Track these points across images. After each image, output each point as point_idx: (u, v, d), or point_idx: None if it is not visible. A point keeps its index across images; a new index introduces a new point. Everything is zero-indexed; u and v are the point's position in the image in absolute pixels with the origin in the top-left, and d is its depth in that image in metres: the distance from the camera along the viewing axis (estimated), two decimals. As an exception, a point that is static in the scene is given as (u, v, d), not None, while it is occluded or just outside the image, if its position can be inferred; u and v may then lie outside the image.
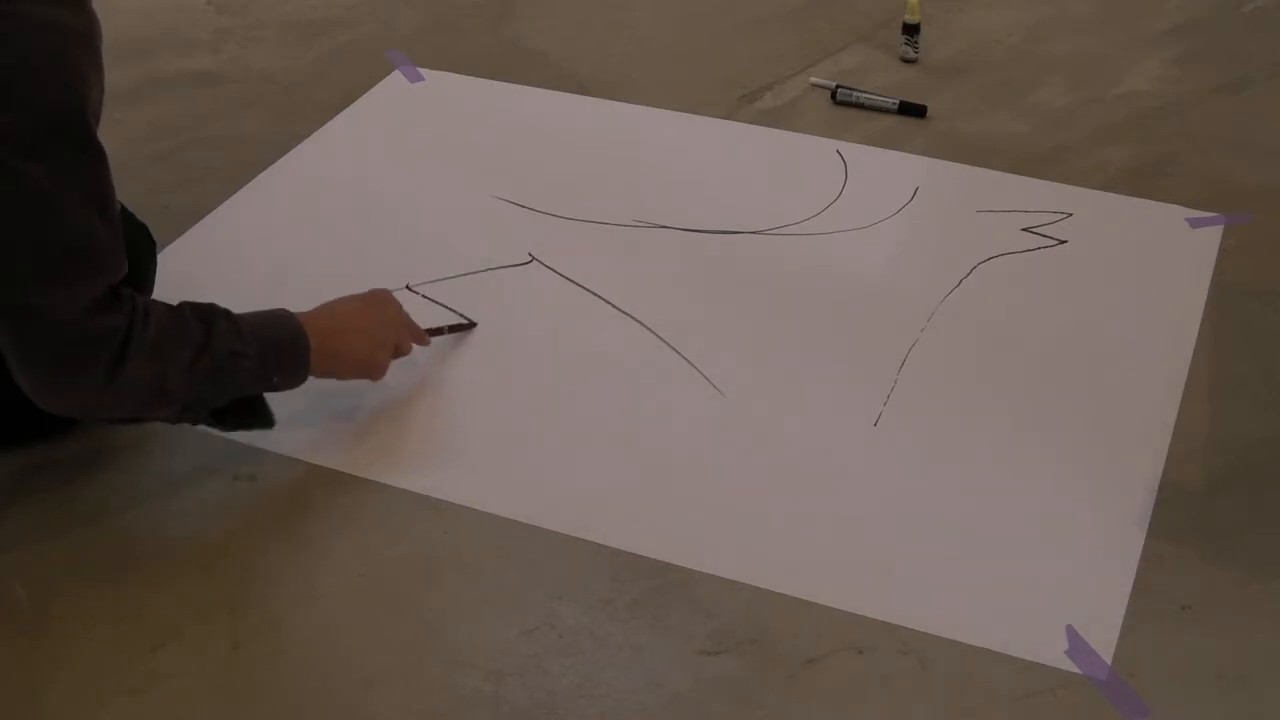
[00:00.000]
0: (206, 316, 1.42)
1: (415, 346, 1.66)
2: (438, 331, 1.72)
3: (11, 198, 1.29)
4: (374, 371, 1.60)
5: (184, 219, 1.97)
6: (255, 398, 1.51)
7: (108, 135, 2.25)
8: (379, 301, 1.62)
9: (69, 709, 1.34)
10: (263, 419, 1.53)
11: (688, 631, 1.40)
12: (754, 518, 1.52)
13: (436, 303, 1.81)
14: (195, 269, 1.87)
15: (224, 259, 1.90)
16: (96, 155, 1.35)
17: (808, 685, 1.34)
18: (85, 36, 1.32)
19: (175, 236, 1.93)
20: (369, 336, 1.58)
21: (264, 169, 2.08)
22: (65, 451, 1.60)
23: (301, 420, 1.65)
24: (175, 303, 1.42)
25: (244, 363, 1.44)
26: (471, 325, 1.76)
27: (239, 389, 1.46)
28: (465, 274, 1.86)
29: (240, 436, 1.55)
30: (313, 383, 1.69)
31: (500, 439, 1.62)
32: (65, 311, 1.32)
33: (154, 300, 1.41)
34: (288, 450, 1.61)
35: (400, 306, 1.64)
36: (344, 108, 2.23)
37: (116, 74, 2.31)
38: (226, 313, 1.45)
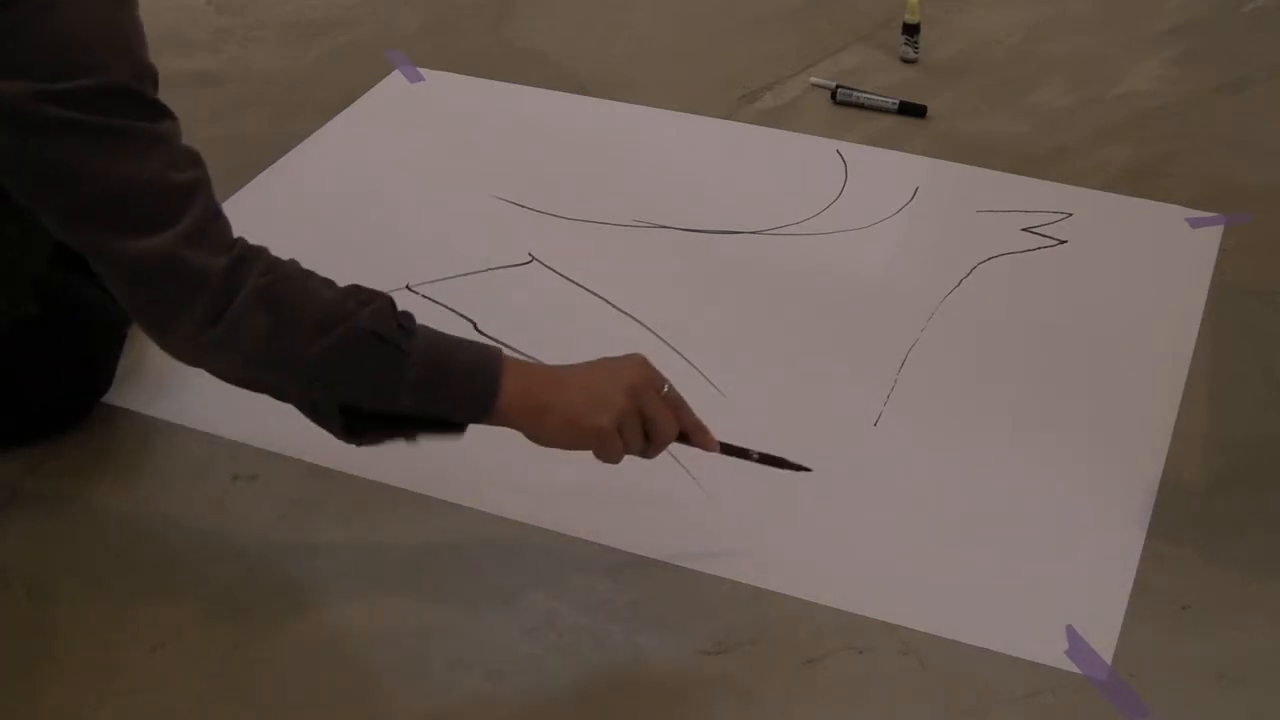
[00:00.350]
0: (360, 293, 1.28)
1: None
2: (742, 453, 1.41)
3: (66, 152, 1.22)
4: (586, 437, 1.29)
5: (184, 219, 1.96)
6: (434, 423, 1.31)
7: (108, 135, 2.24)
8: (624, 364, 1.32)
9: (69, 709, 1.34)
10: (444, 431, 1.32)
11: (688, 631, 1.40)
12: (754, 518, 1.52)
13: (437, 303, 1.81)
14: (195, 269, 1.87)
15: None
16: (150, 109, 1.29)
17: (808, 685, 1.34)
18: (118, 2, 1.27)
19: (175, 236, 1.93)
20: (590, 394, 1.29)
21: (264, 169, 2.08)
22: (65, 451, 1.60)
23: (301, 419, 1.64)
24: None
25: (393, 355, 1.24)
26: (803, 469, 1.45)
27: (383, 392, 1.27)
28: (465, 274, 1.86)
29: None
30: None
31: (500, 439, 1.62)
32: (150, 249, 1.21)
33: (291, 263, 1.29)
34: (288, 450, 1.61)
35: (654, 379, 1.32)
36: (344, 108, 2.23)
37: (116, 74, 2.33)
38: (394, 305, 1.28)
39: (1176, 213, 1.96)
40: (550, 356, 1.72)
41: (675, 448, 1.38)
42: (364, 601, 1.44)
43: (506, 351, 1.32)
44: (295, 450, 1.60)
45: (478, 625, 1.41)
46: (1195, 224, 1.94)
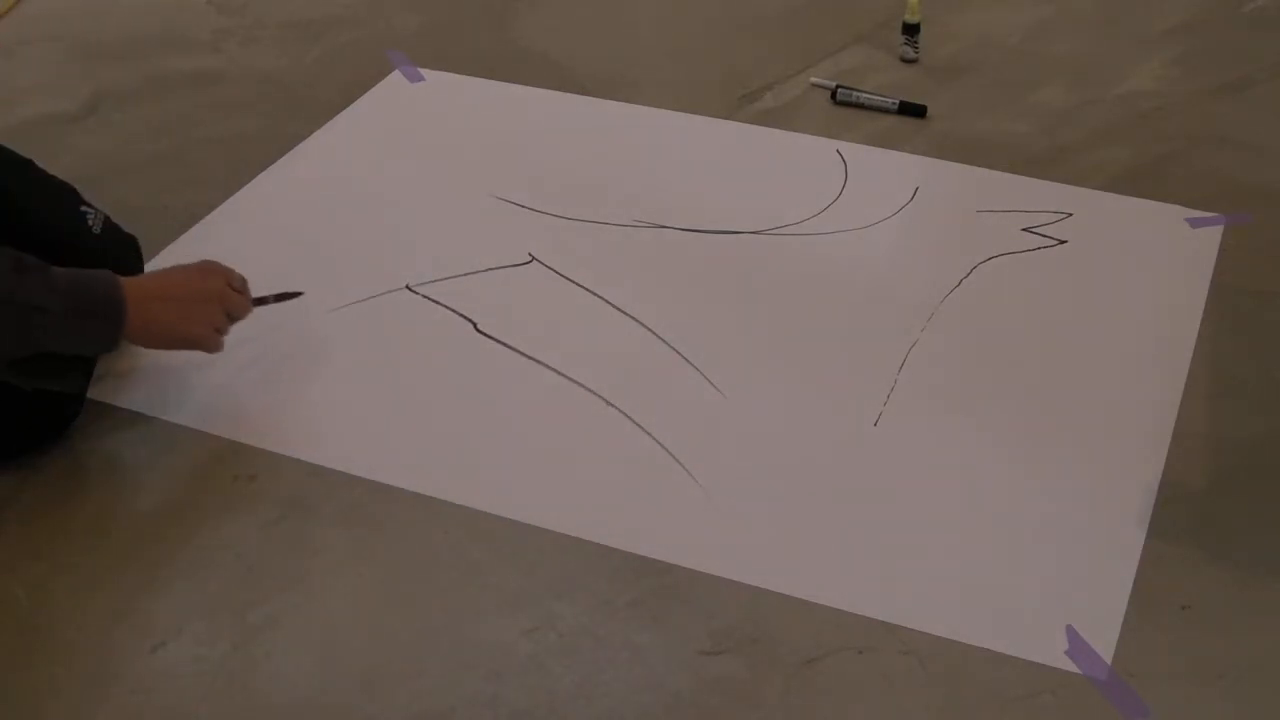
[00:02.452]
0: (18, 265, 1.40)
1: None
2: (262, 301, 1.69)
3: None
4: (189, 344, 1.58)
5: (184, 219, 1.96)
6: (70, 359, 1.49)
7: (108, 135, 2.26)
8: (203, 272, 1.60)
9: (69, 709, 1.34)
10: (70, 381, 1.52)
11: (688, 631, 1.40)
12: (754, 518, 1.52)
13: (437, 303, 1.81)
14: (195, 269, 1.87)
15: (224, 259, 1.89)
16: None
17: (808, 685, 1.34)
18: None
19: (175, 236, 1.93)
20: (180, 307, 1.55)
21: (264, 169, 2.08)
22: (65, 451, 1.60)
23: (301, 420, 1.65)
24: None
25: (48, 319, 1.41)
26: (297, 294, 1.73)
27: (37, 346, 1.43)
28: (465, 274, 1.86)
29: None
30: (316, 384, 1.70)
31: (500, 439, 1.62)
32: None
33: None
34: (288, 450, 1.61)
35: (227, 277, 1.61)
36: (344, 108, 2.23)
37: (116, 74, 2.33)
38: (42, 265, 1.42)
39: (1176, 213, 1.96)
40: (551, 356, 1.72)
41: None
42: (364, 601, 1.44)
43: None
44: (295, 450, 1.61)
45: (478, 625, 1.41)
46: (1195, 224, 1.94)
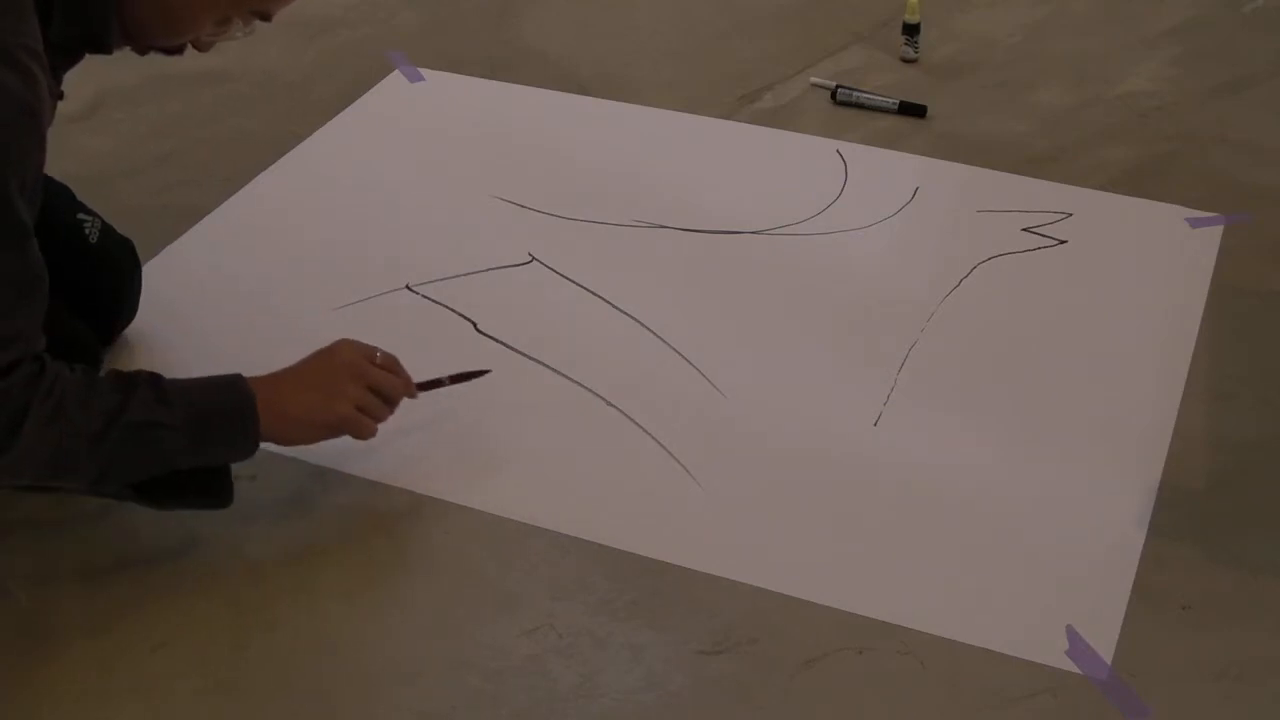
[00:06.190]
0: (126, 385, 1.32)
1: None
2: (436, 384, 1.56)
3: None
4: (334, 429, 1.44)
5: (184, 219, 1.96)
6: (211, 473, 1.41)
7: (109, 135, 2.25)
8: (332, 350, 1.46)
9: (69, 709, 1.34)
10: (216, 498, 1.44)
11: (688, 631, 1.40)
12: (754, 518, 1.52)
13: (437, 303, 1.81)
14: (195, 269, 1.87)
15: (224, 259, 1.90)
16: (20, 235, 1.26)
17: (808, 685, 1.34)
18: (31, 110, 1.25)
19: (175, 236, 1.93)
20: (320, 390, 1.42)
21: (264, 169, 2.08)
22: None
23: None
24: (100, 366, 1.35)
25: (166, 434, 1.32)
26: (484, 372, 1.60)
27: (165, 463, 1.35)
28: (465, 274, 1.86)
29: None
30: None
31: (500, 439, 1.62)
32: None
33: (73, 368, 1.31)
34: (288, 450, 1.60)
35: (365, 351, 1.47)
36: (344, 108, 2.23)
37: (117, 74, 2.33)
38: (154, 380, 1.34)
39: (1176, 213, 1.96)
40: (551, 356, 1.72)
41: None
42: (364, 601, 1.44)
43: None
44: (295, 450, 1.60)
45: (478, 625, 1.41)
46: (1195, 224, 1.94)
